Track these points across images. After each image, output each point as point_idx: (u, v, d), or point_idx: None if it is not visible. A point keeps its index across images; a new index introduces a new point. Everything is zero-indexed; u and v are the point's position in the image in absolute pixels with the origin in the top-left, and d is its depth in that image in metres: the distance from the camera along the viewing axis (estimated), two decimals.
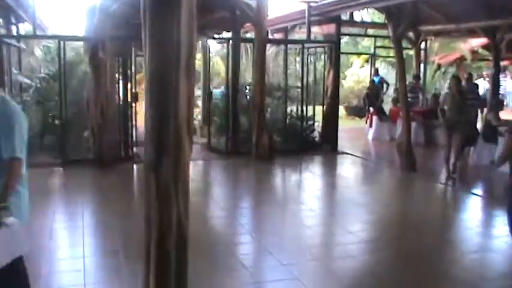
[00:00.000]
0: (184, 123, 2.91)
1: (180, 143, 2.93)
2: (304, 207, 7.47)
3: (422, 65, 16.89)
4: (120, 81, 10.66)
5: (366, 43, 27.00)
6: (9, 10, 11.43)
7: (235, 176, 10.21)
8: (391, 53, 20.66)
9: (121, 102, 10.64)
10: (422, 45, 16.60)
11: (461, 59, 20.00)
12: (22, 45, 12.34)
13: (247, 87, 12.65)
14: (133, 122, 11.02)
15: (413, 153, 9.84)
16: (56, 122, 10.52)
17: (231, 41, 11.97)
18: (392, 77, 19.34)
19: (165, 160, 2.93)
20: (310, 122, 12.65)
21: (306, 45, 12.35)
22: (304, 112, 12.46)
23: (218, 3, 11.62)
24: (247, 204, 8.23)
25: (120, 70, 10.52)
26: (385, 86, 17.73)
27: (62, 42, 9.94)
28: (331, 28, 12.64)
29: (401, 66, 10.03)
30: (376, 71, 18.14)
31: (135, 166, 10.38)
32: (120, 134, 10.45)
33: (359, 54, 25.43)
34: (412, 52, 16.64)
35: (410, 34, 15.62)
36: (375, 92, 16.15)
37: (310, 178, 10.09)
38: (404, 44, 16.03)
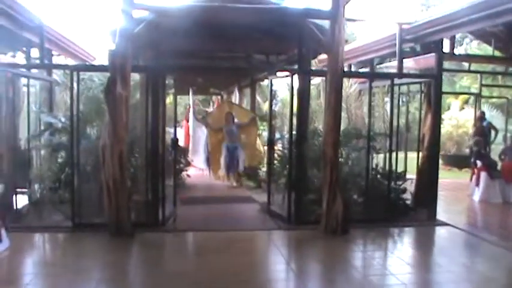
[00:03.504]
0: None
1: None
2: None
3: None
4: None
5: (465, 82, 23.62)
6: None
7: (288, 260, 6.94)
8: (495, 92, 17.54)
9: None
10: None
11: None
12: (56, 78, 10.30)
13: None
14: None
15: None
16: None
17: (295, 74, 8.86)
18: (498, 122, 16.24)
19: None
20: (400, 181, 9.52)
21: (396, 80, 9.21)
22: (393, 167, 9.25)
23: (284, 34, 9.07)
24: None
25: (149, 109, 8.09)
26: (493, 132, 14.69)
27: (74, 73, 7.82)
28: (429, 61, 9.85)
29: None
30: (483, 114, 15.00)
31: (164, 236, 7.93)
32: (147, 192, 8.06)
33: (462, 94, 21.73)
34: None
35: None
36: (484, 139, 13.17)
37: (395, 273, 6.17)
38: None
